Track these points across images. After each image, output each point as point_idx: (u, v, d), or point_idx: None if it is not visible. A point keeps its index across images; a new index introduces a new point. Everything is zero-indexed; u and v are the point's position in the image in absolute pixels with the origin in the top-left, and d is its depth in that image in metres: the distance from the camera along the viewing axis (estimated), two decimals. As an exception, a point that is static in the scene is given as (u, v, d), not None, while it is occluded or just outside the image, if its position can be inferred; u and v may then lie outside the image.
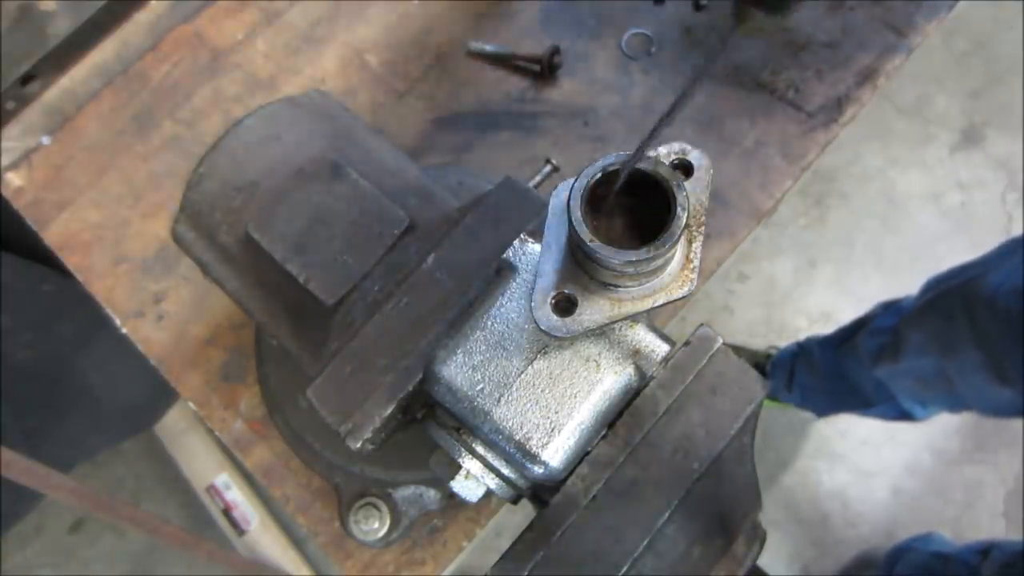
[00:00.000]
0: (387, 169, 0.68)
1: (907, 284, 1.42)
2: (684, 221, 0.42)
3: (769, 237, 2.28)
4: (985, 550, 1.50)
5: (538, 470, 0.49)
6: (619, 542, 0.48)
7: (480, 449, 0.51)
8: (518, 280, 0.51)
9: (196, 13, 0.96)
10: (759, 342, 2.12)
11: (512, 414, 0.48)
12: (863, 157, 2.34)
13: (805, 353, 1.79)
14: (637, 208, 0.46)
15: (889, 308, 1.58)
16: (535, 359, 0.49)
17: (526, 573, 0.48)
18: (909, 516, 2.06)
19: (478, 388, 0.49)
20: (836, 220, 2.30)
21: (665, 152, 0.48)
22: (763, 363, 1.95)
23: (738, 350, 2.07)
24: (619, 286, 0.47)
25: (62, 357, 1.49)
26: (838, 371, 1.67)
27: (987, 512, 2.06)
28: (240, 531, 1.90)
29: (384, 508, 0.74)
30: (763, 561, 0.55)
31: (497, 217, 0.59)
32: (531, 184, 0.82)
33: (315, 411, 0.55)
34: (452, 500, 0.77)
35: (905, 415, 1.61)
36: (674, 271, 0.47)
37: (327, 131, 0.68)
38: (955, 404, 1.46)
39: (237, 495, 1.92)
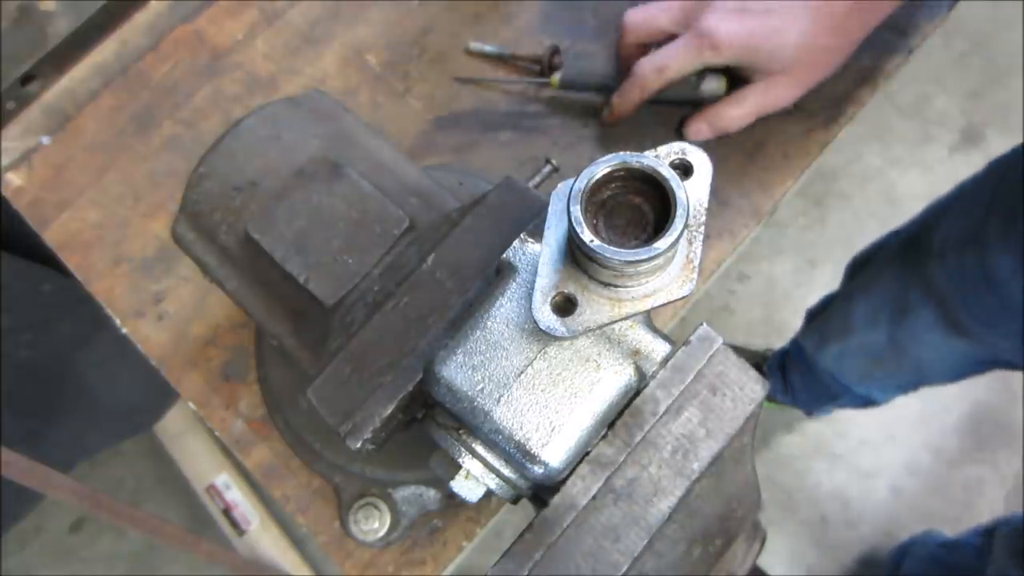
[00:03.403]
0: (387, 169, 0.68)
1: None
2: (684, 221, 0.42)
3: (769, 237, 2.28)
4: (990, 529, 1.50)
5: (538, 470, 0.49)
6: (619, 542, 0.48)
7: (480, 449, 0.51)
8: (518, 280, 0.51)
9: (196, 13, 0.96)
10: (759, 342, 2.12)
11: (512, 414, 0.48)
12: (863, 157, 2.34)
13: (791, 352, 1.80)
14: (637, 208, 0.46)
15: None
16: (535, 359, 0.49)
17: (526, 573, 0.48)
18: (909, 516, 2.06)
19: (478, 388, 0.49)
20: (836, 220, 2.30)
21: (665, 152, 0.48)
22: (763, 363, 1.96)
23: (738, 350, 2.07)
24: (619, 286, 0.47)
25: (62, 357, 1.49)
26: (808, 365, 1.69)
27: (987, 512, 2.06)
28: (240, 531, 1.90)
29: (384, 508, 0.74)
30: (763, 561, 0.55)
31: (497, 217, 0.59)
32: (531, 184, 0.82)
33: (315, 411, 0.55)
34: (452, 500, 0.77)
35: (867, 401, 1.63)
36: (674, 271, 0.47)
37: (327, 131, 0.68)
38: (907, 380, 1.46)
39: (237, 495, 1.93)
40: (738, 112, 0.82)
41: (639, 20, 0.84)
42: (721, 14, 0.77)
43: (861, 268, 1.47)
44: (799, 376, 1.77)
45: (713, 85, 0.84)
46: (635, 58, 0.84)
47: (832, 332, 1.52)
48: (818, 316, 1.62)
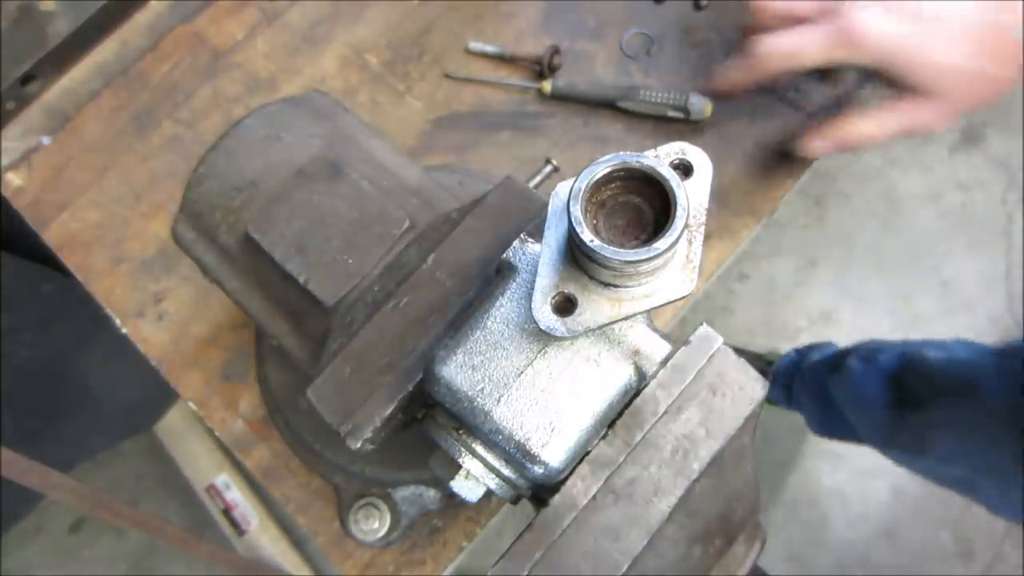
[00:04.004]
0: (387, 169, 0.68)
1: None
2: (684, 221, 0.42)
3: (769, 237, 2.28)
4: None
5: (538, 470, 0.49)
6: (619, 542, 0.48)
7: (480, 449, 0.51)
8: (518, 280, 0.51)
9: (196, 13, 0.96)
10: (759, 342, 2.12)
11: (512, 414, 0.48)
12: (863, 157, 2.34)
13: (800, 370, 1.73)
14: (637, 208, 0.46)
15: (870, 361, 1.43)
16: (535, 359, 0.49)
17: (526, 573, 0.48)
18: (909, 516, 2.06)
19: (478, 388, 0.49)
20: (836, 220, 2.30)
21: (665, 152, 0.48)
22: (766, 368, 1.94)
23: (739, 352, 2.05)
24: (619, 286, 0.47)
25: (62, 357, 1.49)
26: (829, 398, 1.59)
27: (986, 512, 2.06)
28: (240, 531, 1.90)
29: (384, 508, 0.74)
30: (763, 561, 0.55)
31: (497, 217, 0.59)
32: (531, 184, 0.82)
33: (315, 411, 0.55)
34: (452, 500, 0.77)
35: None
36: (674, 271, 0.47)
37: (327, 131, 0.68)
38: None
39: (237, 495, 1.93)
40: (874, 130, 0.73)
41: (774, 3, 0.74)
42: (875, 10, 0.66)
43: (930, 390, 1.27)
44: (809, 399, 1.68)
45: (699, 106, 0.85)
46: None
47: (900, 443, 1.37)
48: (878, 410, 1.40)
